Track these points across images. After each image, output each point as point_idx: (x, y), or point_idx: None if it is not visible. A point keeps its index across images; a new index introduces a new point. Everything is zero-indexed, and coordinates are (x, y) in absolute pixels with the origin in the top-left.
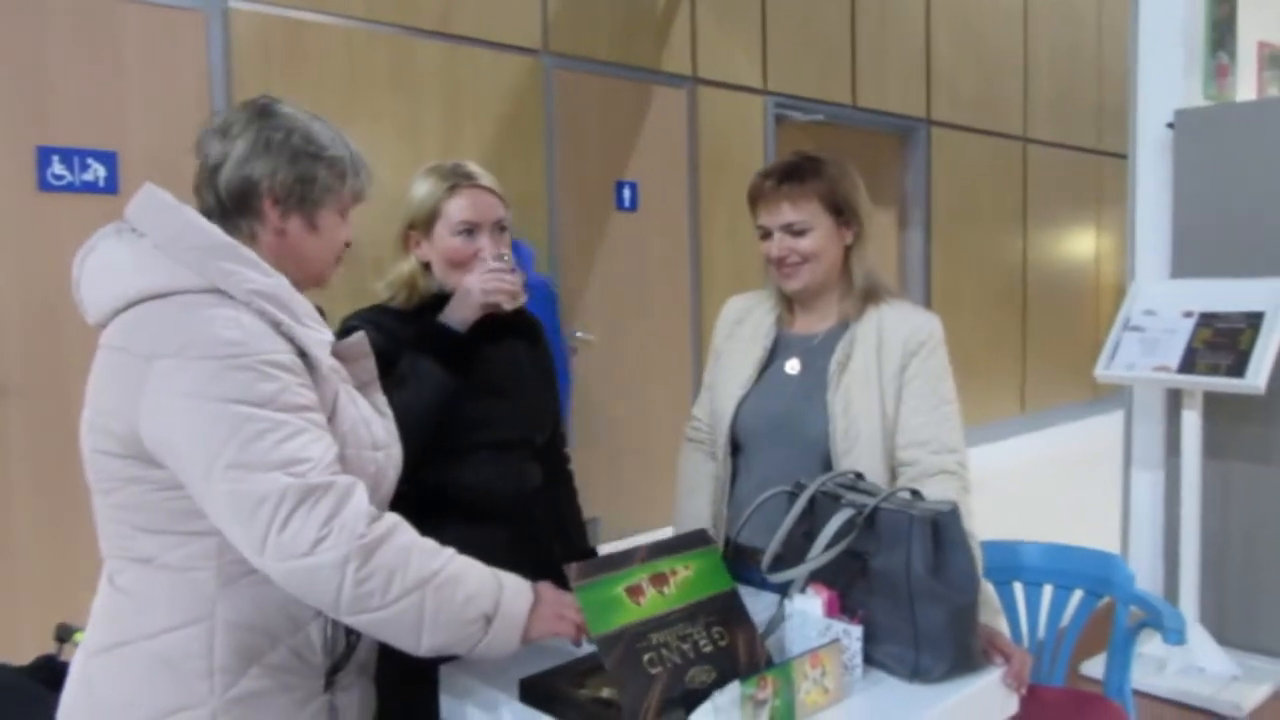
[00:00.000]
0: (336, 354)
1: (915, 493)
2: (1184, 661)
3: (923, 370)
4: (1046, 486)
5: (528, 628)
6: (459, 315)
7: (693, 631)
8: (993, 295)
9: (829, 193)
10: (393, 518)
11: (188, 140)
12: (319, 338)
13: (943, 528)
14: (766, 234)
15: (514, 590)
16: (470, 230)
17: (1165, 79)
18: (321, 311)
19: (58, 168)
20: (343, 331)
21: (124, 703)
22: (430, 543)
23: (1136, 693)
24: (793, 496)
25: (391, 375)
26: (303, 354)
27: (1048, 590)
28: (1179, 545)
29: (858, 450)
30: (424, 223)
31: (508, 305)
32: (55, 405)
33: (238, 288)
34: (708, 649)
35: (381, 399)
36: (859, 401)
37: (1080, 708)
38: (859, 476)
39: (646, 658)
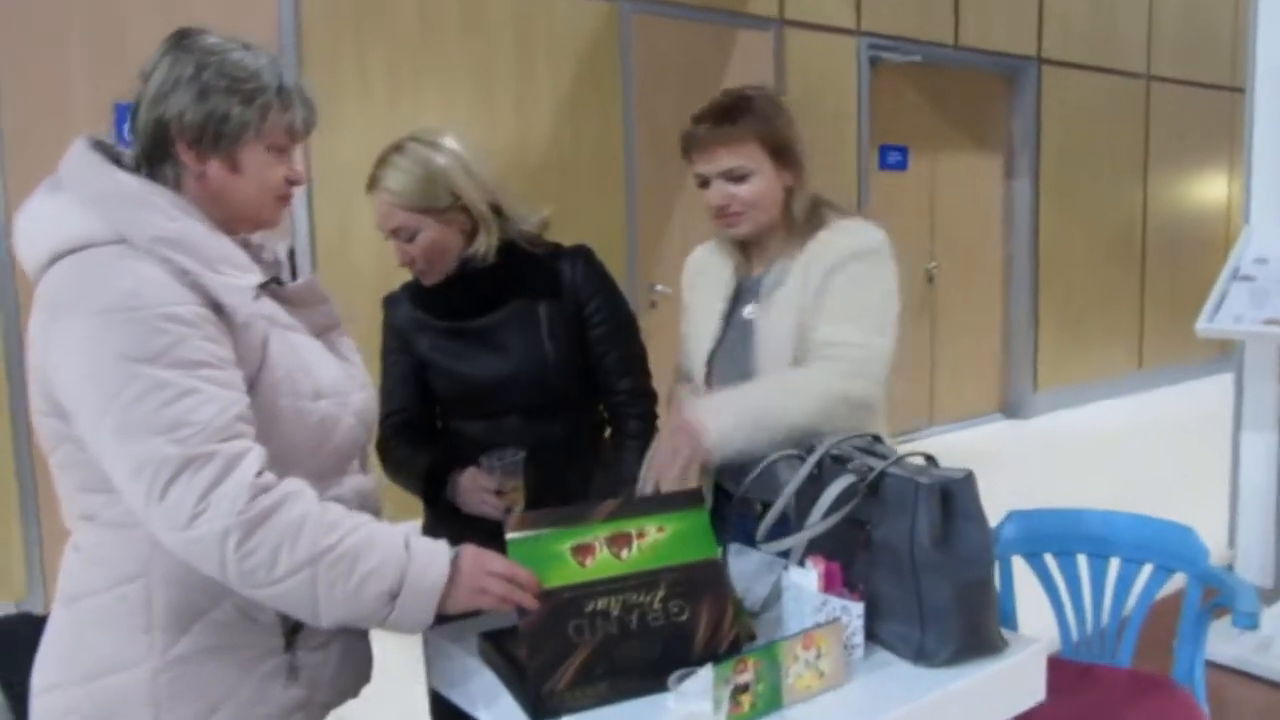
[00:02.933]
0: (287, 298)
1: (930, 459)
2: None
3: (843, 282)
4: (1156, 449)
5: (445, 600)
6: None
7: (644, 601)
8: (1107, 246)
9: (766, 133)
10: (288, 487)
11: None
12: (235, 283)
13: (953, 497)
14: (704, 182)
15: (425, 563)
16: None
17: None
18: (293, 253)
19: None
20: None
21: (75, 656)
22: (334, 514)
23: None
24: (803, 460)
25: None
26: (218, 304)
27: (1114, 564)
28: None
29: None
30: None
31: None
32: None
33: (140, 235)
34: (657, 623)
35: (346, 343)
36: (778, 325)
37: (1144, 692)
38: (876, 439)
39: (573, 625)
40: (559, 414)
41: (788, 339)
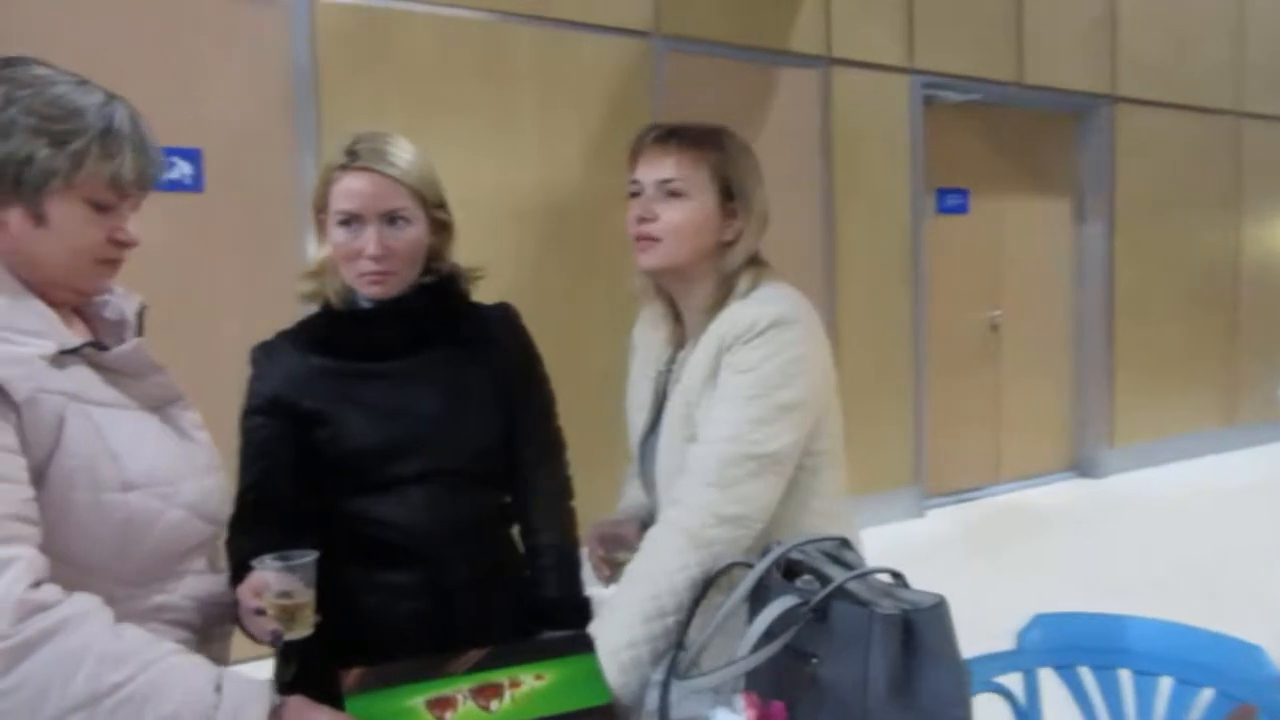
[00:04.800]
0: (108, 367)
1: (897, 575)
2: None
3: (730, 364)
4: (1243, 515)
5: None
6: None
7: None
8: (1190, 294)
9: (722, 164)
10: (70, 608)
11: (271, 136)
12: (15, 353)
13: (917, 630)
14: (636, 193)
15: (237, 705)
16: (348, 221)
17: None
18: (143, 313)
19: None
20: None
21: None
22: (128, 643)
23: None
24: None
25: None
26: None
27: (1165, 684)
28: None
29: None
30: (321, 205)
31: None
32: None
33: None
34: None
35: (189, 419)
36: (670, 424)
37: None
38: (844, 544)
39: None
40: (479, 492)
41: (677, 439)
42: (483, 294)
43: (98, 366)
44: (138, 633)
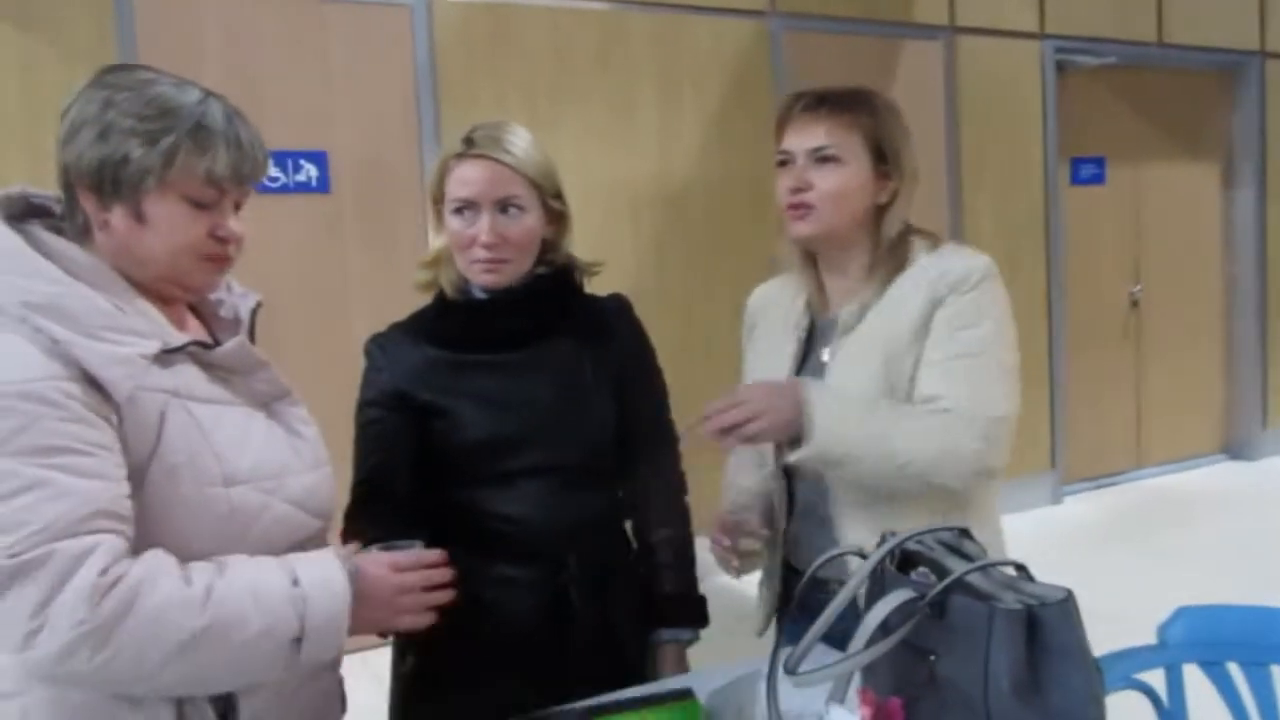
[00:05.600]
0: (218, 365)
1: (1021, 568)
2: None
3: (946, 317)
4: None
5: (356, 623)
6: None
7: None
8: None
9: (874, 127)
10: (139, 572)
11: (395, 137)
12: (118, 352)
13: (1043, 627)
14: (785, 162)
15: (321, 595)
16: (462, 209)
17: None
18: (257, 310)
19: (272, 169)
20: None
21: None
22: (198, 585)
23: None
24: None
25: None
26: (94, 378)
27: None
28: None
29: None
30: (438, 196)
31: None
32: None
33: (9, 301)
34: None
35: (297, 414)
36: (857, 373)
37: None
38: (964, 534)
39: None
40: (594, 486)
41: (871, 389)
42: (604, 283)
43: (204, 364)
44: (205, 568)
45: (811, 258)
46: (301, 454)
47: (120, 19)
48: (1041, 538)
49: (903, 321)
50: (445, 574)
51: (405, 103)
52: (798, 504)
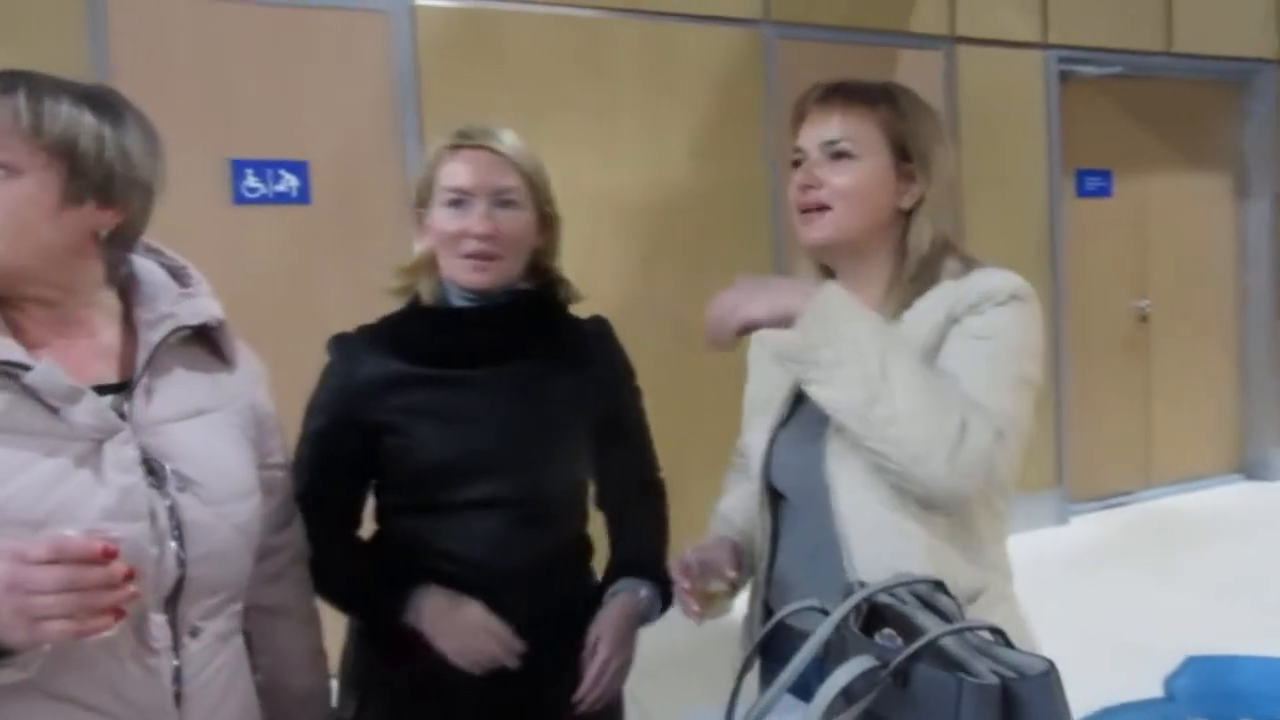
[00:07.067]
0: (37, 390)
1: (997, 632)
2: None
3: (961, 330)
4: None
5: None
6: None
7: None
8: None
9: (894, 122)
10: None
11: (376, 146)
12: None
13: (1020, 703)
14: (798, 161)
15: None
16: (457, 200)
17: None
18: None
19: (251, 180)
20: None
21: None
22: None
23: None
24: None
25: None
26: None
27: None
28: None
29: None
30: (424, 197)
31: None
32: None
33: None
34: None
35: (125, 456)
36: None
37: None
38: (938, 587)
39: None
40: (551, 526)
41: None
42: (589, 294)
43: (23, 387)
44: None
45: (829, 273)
46: (100, 501)
47: (93, 29)
48: (1046, 559)
49: (913, 342)
50: (108, 574)
51: (387, 112)
52: (782, 538)
